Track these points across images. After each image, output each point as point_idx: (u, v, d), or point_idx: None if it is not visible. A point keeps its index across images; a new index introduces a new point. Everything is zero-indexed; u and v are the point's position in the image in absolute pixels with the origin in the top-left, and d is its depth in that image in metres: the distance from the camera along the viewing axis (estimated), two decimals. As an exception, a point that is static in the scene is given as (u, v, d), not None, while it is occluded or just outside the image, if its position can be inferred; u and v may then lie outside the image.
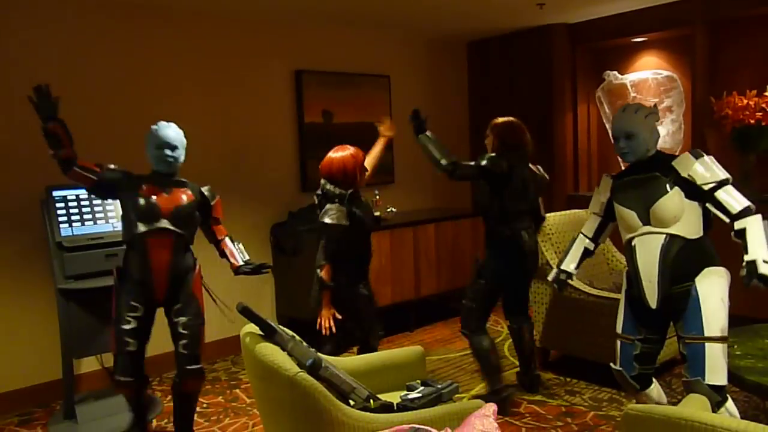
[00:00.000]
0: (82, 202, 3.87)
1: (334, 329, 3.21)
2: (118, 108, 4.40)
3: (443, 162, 3.49)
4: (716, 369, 2.56)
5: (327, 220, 3.22)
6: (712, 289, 2.63)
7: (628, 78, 5.78)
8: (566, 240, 4.38)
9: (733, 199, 2.59)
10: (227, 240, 3.42)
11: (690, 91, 5.38)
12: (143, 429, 3.34)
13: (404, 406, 2.32)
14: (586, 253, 3.14)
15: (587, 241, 3.13)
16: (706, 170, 2.64)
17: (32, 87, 2.87)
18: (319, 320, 3.23)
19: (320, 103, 5.46)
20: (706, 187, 2.62)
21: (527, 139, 3.73)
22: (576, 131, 6.13)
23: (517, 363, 4.22)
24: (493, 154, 3.62)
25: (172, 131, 3.14)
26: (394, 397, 2.41)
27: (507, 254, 3.69)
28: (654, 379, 2.94)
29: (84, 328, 3.76)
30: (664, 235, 2.67)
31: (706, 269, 2.66)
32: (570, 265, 3.14)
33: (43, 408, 4.07)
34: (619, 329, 2.90)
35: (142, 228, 3.06)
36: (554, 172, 5.71)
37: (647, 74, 5.69)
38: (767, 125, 4.81)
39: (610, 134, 3.02)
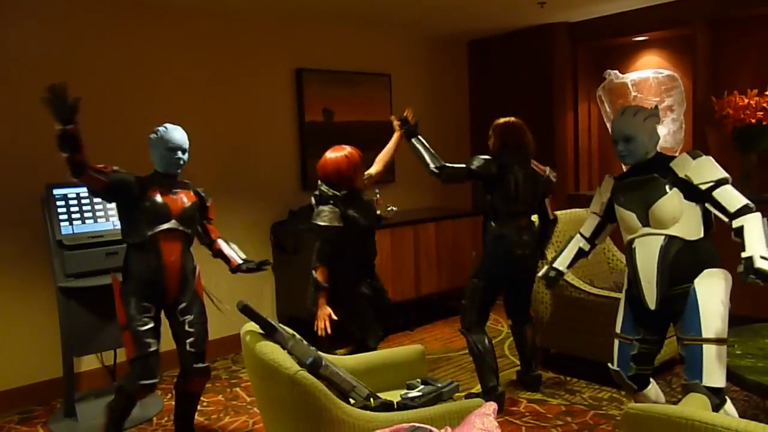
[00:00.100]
0: (83, 201, 3.87)
1: (329, 330, 3.22)
2: (117, 106, 4.40)
3: (431, 165, 3.61)
4: (714, 371, 2.54)
5: (319, 222, 3.25)
6: (712, 291, 2.62)
7: (629, 77, 5.78)
8: (566, 239, 4.38)
9: (731, 197, 2.58)
10: (220, 240, 3.44)
11: (691, 90, 5.37)
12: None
13: (404, 405, 2.32)
14: (580, 254, 3.14)
15: (583, 241, 3.13)
16: (704, 170, 2.63)
17: (47, 86, 2.66)
18: (315, 321, 3.25)
19: (321, 102, 5.46)
20: (703, 187, 2.61)
21: (528, 139, 3.74)
22: (577, 130, 6.12)
23: (517, 362, 4.22)
24: (483, 157, 3.67)
25: (180, 134, 3.14)
26: (394, 396, 2.41)
27: (496, 254, 3.71)
28: (652, 380, 2.93)
29: (84, 327, 3.76)
30: (663, 237, 2.67)
31: (706, 270, 2.65)
32: (562, 263, 3.14)
33: (43, 406, 4.07)
34: (618, 329, 2.90)
35: (155, 229, 3.05)
36: (555, 171, 5.68)
37: (648, 73, 5.68)
38: (768, 125, 4.81)
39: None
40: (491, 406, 1.69)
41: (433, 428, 1.67)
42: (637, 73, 5.77)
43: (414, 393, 2.38)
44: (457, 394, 2.52)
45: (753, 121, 4.83)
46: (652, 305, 2.73)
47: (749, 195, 2.65)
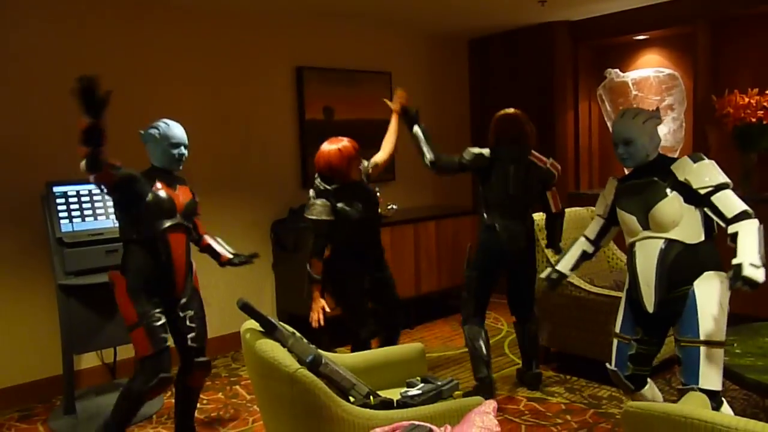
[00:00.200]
0: (83, 198, 3.87)
1: (322, 322, 3.28)
2: (117, 104, 4.34)
3: (427, 157, 3.68)
4: (710, 374, 2.54)
5: (308, 216, 3.32)
6: (711, 293, 2.60)
7: (630, 76, 5.77)
8: (567, 238, 4.37)
9: (729, 203, 2.55)
10: (207, 236, 3.45)
11: (691, 89, 5.37)
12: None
13: (404, 403, 2.32)
14: (584, 256, 3.11)
15: (587, 244, 3.10)
16: (704, 174, 2.60)
17: (77, 77, 2.52)
18: (310, 313, 3.31)
19: (321, 100, 5.45)
20: (702, 192, 2.59)
21: (526, 130, 3.70)
22: (577, 129, 6.12)
23: (518, 360, 4.23)
24: (475, 149, 3.71)
25: (180, 129, 3.13)
26: (394, 394, 2.41)
27: (486, 245, 3.73)
28: (649, 380, 2.93)
29: (84, 324, 3.77)
30: (663, 240, 2.65)
31: (705, 273, 2.63)
32: (565, 266, 3.12)
33: (43, 403, 4.08)
34: (617, 328, 2.89)
35: (165, 224, 3.04)
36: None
37: (649, 72, 5.68)
38: (768, 124, 4.81)
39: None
40: (491, 404, 1.69)
41: (432, 426, 1.67)
42: (637, 71, 5.77)
43: (414, 391, 2.38)
44: (456, 393, 2.52)
45: (753, 120, 4.83)
46: (650, 308, 2.73)
47: (749, 194, 2.65)
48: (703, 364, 2.55)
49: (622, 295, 2.94)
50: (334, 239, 3.39)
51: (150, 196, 3.01)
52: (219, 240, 3.48)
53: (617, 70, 5.84)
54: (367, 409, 2.19)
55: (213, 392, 4.18)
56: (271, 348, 2.20)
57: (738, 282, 2.36)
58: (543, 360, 4.32)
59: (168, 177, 3.13)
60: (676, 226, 2.64)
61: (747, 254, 2.40)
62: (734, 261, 2.42)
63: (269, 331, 2.31)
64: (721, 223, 2.57)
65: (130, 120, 4.32)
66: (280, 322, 2.36)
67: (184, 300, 3.19)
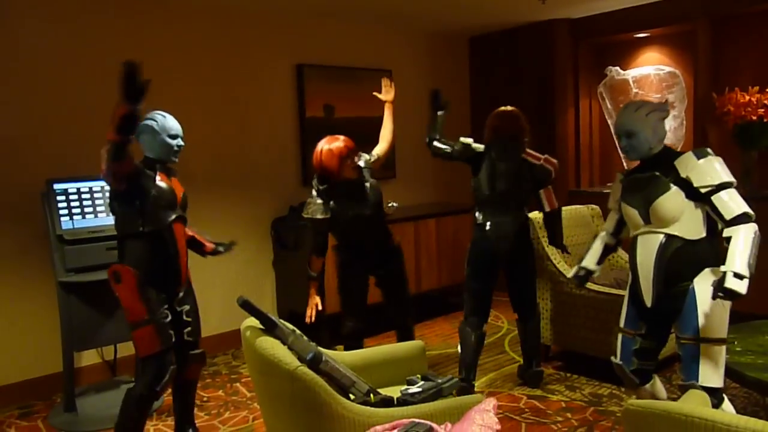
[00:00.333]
0: (83, 195, 3.87)
1: (313, 318, 3.35)
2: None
3: (427, 137, 3.91)
4: (710, 371, 2.53)
5: (303, 214, 3.40)
6: (710, 290, 2.60)
7: (630, 74, 5.77)
8: (567, 236, 4.38)
9: (729, 203, 2.52)
10: (187, 228, 3.38)
11: (692, 87, 5.37)
12: None
13: (404, 401, 2.32)
14: (608, 249, 3.11)
15: (609, 237, 3.09)
16: (706, 172, 2.57)
17: (123, 62, 2.50)
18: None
19: (321, 98, 5.45)
20: (703, 190, 2.56)
21: (518, 127, 3.69)
22: (578, 127, 6.12)
23: (518, 358, 4.23)
24: (466, 141, 3.79)
25: (175, 121, 3.09)
26: (394, 392, 2.41)
27: (476, 242, 3.75)
28: (655, 375, 2.93)
29: (84, 321, 3.77)
30: (663, 235, 2.65)
31: (706, 270, 2.61)
32: (590, 261, 3.11)
33: (43, 401, 4.08)
34: (621, 323, 2.89)
35: (171, 216, 3.02)
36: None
37: (649, 70, 5.67)
38: (769, 122, 4.80)
39: (613, 131, 3.00)
40: (491, 402, 1.69)
41: (433, 424, 1.67)
42: (638, 69, 5.76)
43: (414, 389, 2.38)
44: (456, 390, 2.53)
45: (754, 118, 4.83)
46: (648, 302, 2.73)
47: (749, 192, 2.63)
48: (703, 362, 2.55)
49: (626, 290, 2.94)
50: (335, 235, 3.47)
51: (154, 189, 2.97)
52: (198, 231, 3.46)
53: (618, 67, 5.84)
54: (368, 407, 2.20)
55: (213, 389, 4.18)
56: (271, 345, 2.20)
57: (718, 293, 2.36)
58: (544, 358, 4.32)
59: (164, 169, 3.10)
60: (676, 221, 2.62)
61: (733, 263, 2.40)
62: (721, 269, 2.42)
63: (269, 328, 2.31)
64: (720, 224, 2.56)
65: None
66: (281, 320, 2.36)
67: (181, 294, 3.14)
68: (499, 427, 1.60)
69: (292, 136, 5.35)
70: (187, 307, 3.17)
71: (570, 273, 3.21)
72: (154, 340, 2.93)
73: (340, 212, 3.35)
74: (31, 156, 4.04)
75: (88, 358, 4.28)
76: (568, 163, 6.05)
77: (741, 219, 2.49)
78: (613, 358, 2.91)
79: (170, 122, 3.06)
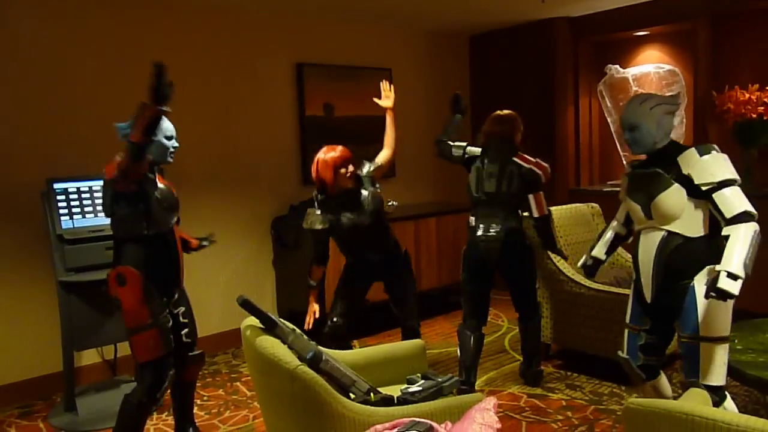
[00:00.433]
0: (83, 195, 3.87)
1: (310, 325, 3.38)
2: (118, 102, 4.37)
3: (439, 137, 3.98)
4: (711, 369, 2.52)
5: (304, 225, 3.43)
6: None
7: (630, 72, 5.76)
8: (567, 234, 4.39)
9: (729, 202, 2.47)
10: None
11: (692, 85, 5.36)
12: None
13: (405, 400, 2.32)
14: (618, 239, 3.09)
15: (620, 226, 3.07)
16: (707, 170, 2.52)
17: (153, 62, 2.53)
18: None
19: (321, 96, 5.45)
20: (704, 188, 2.52)
21: (508, 128, 3.70)
22: (578, 125, 6.11)
23: (518, 357, 4.23)
24: (461, 144, 3.87)
25: (170, 123, 3.05)
26: (394, 391, 2.41)
27: (467, 247, 3.78)
28: (662, 372, 2.92)
29: (85, 321, 3.77)
30: (664, 232, 2.63)
31: (708, 267, 2.57)
32: (600, 251, 3.09)
33: (43, 400, 4.08)
34: (627, 319, 2.89)
35: (173, 218, 3.03)
36: (556, 166, 5.69)
37: (649, 68, 5.67)
38: (769, 120, 4.80)
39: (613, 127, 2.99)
40: (491, 401, 1.69)
41: (433, 423, 1.67)
42: (638, 67, 5.75)
43: (414, 388, 2.38)
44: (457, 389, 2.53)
45: (754, 116, 4.82)
46: (648, 298, 2.73)
47: (750, 190, 2.59)
48: (703, 360, 2.53)
49: (631, 286, 2.92)
50: (338, 244, 3.52)
51: (157, 191, 2.95)
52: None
53: (617, 66, 5.83)
54: (368, 406, 2.20)
55: (213, 389, 4.18)
56: (271, 345, 2.20)
57: (711, 293, 2.35)
58: (544, 356, 4.32)
59: (160, 171, 3.09)
60: (677, 218, 2.59)
61: (729, 263, 2.36)
62: (716, 268, 2.40)
63: (269, 327, 2.31)
64: (721, 222, 2.54)
65: (130, 116, 4.33)
66: (281, 319, 2.36)
67: (176, 297, 3.13)
68: (499, 425, 1.60)
69: (292, 135, 5.35)
70: (182, 309, 3.15)
71: (579, 262, 3.18)
72: (156, 345, 2.88)
73: (337, 222, 3.36)
74: (31, 155, 4.04)
75: (88, 357, 4.28)
76: (568, 161, 6.05)
77: (742, 217, 2.45)
78: (620, 352, 2.89)
79: (166, 124, 3.03)
